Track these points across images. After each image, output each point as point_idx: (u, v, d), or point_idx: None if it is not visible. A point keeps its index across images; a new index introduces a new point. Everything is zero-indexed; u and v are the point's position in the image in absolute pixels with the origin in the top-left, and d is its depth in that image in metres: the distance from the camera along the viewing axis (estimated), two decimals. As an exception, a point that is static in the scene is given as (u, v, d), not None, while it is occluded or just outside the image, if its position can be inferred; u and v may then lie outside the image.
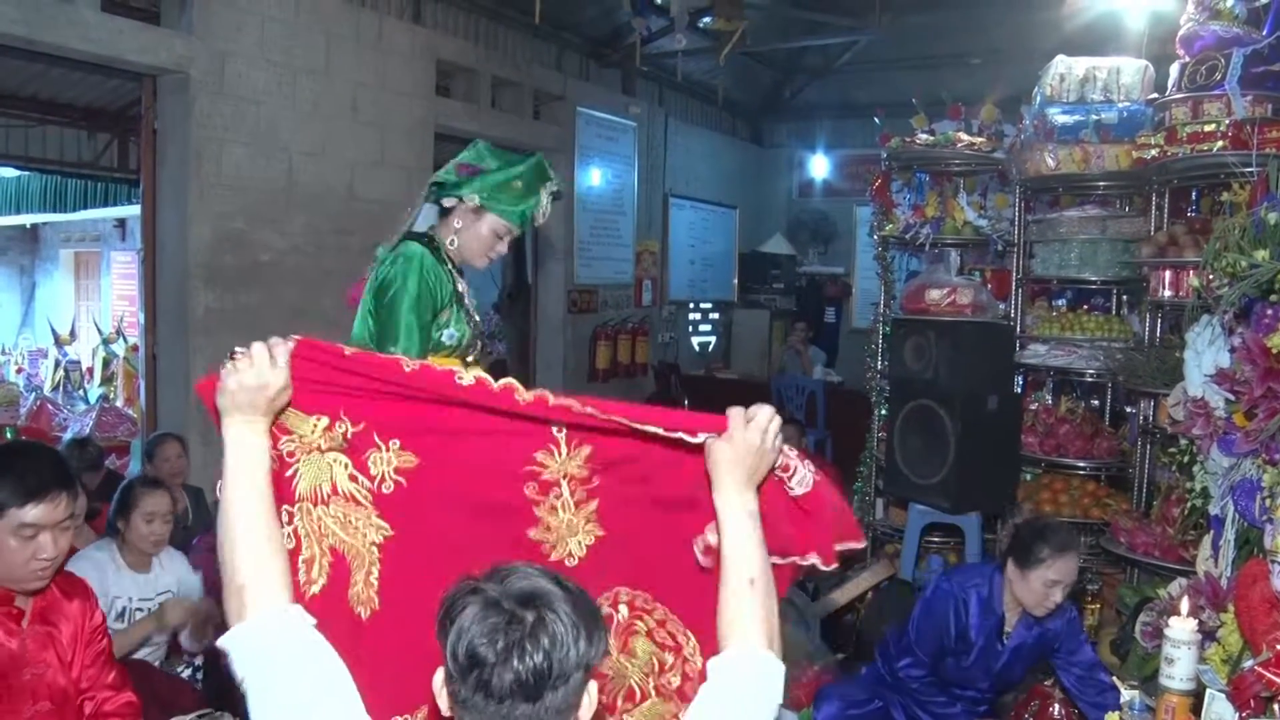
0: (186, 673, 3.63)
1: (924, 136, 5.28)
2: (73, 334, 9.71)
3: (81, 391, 8.82)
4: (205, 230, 5.27)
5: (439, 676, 1.33)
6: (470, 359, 2.75)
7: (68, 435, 6.92)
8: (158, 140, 5.30)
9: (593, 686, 1.33)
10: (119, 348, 8.75)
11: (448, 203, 2.67)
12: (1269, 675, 2.18)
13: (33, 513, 2.07)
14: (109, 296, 10.98)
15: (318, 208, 5.85)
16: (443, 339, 2.67)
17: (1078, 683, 3.08)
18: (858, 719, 3.12)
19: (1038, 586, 2.86)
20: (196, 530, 4.71)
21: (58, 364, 9.10)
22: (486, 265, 2.78)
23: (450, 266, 2.70)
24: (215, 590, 3.86)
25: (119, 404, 8.10)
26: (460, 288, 2.73)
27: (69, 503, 2.14)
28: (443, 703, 1.33)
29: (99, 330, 9.30)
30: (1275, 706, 2.14)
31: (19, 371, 9.35)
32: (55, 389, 8.80)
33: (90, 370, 9.09)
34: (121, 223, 10.41)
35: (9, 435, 6.83)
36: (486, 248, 2.71)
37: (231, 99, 5.33)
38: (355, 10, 6.03)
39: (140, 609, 3.36)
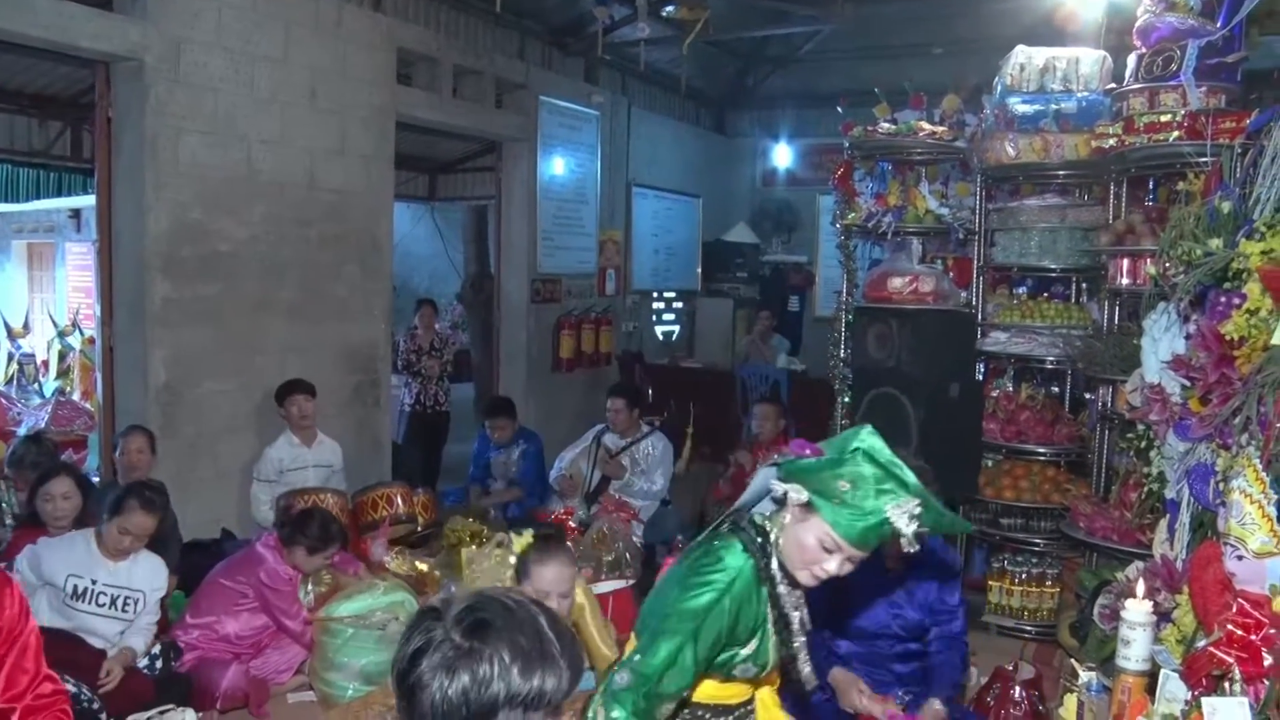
0: (144, 662, 3.81)
1: (886, 126, 5.30)
2: (26, 326, 9.49)
3: (37, 385, 8.65)
4: (162, 220, 5.18)
5: None
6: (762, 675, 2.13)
7: (22, 430, 6.80)
8: (112, 128, 5.19)
9: None
10: (75, 340, 8.58)
11: (778, 488, 1.94)
12: (1220, 654, 2.22)
13: None
14: (64, 288, 10.76)
15: (277, 197, 5.77)
16: (735, 673, 2.06)
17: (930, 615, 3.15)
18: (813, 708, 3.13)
19: None
20: (163, 527, 4.61)
21: (11, 357, 8.91)
22: (813, 584, 1.99)
23: (777, 578, 1.98)
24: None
25: (75, 397, 7.96)
26: (786, 605, 1.99)
27: None
28: None
29: (54, 322, 9.11)
30: (1227, 685, 2.18)
31: (-29, 365, 9.16)
32: (9, 383, 8.63)
33: (45, 363, 8.91)
34: (76, 213, 10.20)
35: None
36: (810, 561, 1.94)
37: (188, 86, 5.23)
38: (314, -3, 5.94)
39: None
